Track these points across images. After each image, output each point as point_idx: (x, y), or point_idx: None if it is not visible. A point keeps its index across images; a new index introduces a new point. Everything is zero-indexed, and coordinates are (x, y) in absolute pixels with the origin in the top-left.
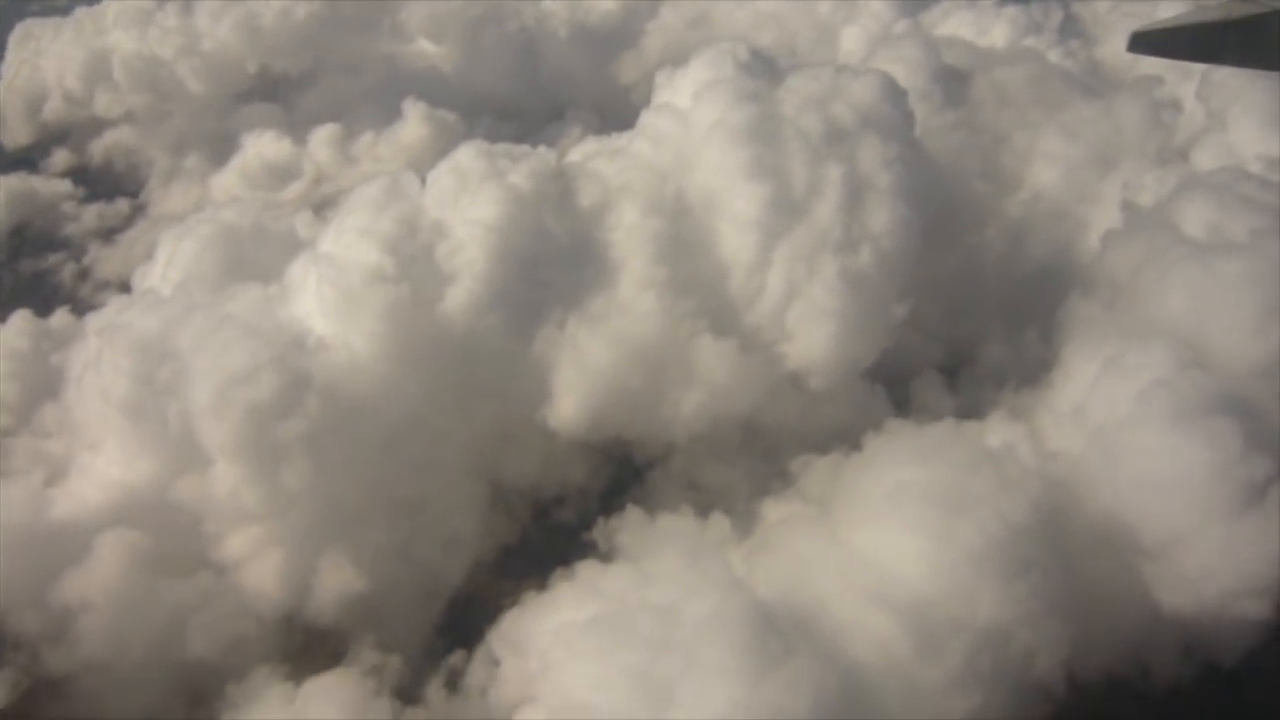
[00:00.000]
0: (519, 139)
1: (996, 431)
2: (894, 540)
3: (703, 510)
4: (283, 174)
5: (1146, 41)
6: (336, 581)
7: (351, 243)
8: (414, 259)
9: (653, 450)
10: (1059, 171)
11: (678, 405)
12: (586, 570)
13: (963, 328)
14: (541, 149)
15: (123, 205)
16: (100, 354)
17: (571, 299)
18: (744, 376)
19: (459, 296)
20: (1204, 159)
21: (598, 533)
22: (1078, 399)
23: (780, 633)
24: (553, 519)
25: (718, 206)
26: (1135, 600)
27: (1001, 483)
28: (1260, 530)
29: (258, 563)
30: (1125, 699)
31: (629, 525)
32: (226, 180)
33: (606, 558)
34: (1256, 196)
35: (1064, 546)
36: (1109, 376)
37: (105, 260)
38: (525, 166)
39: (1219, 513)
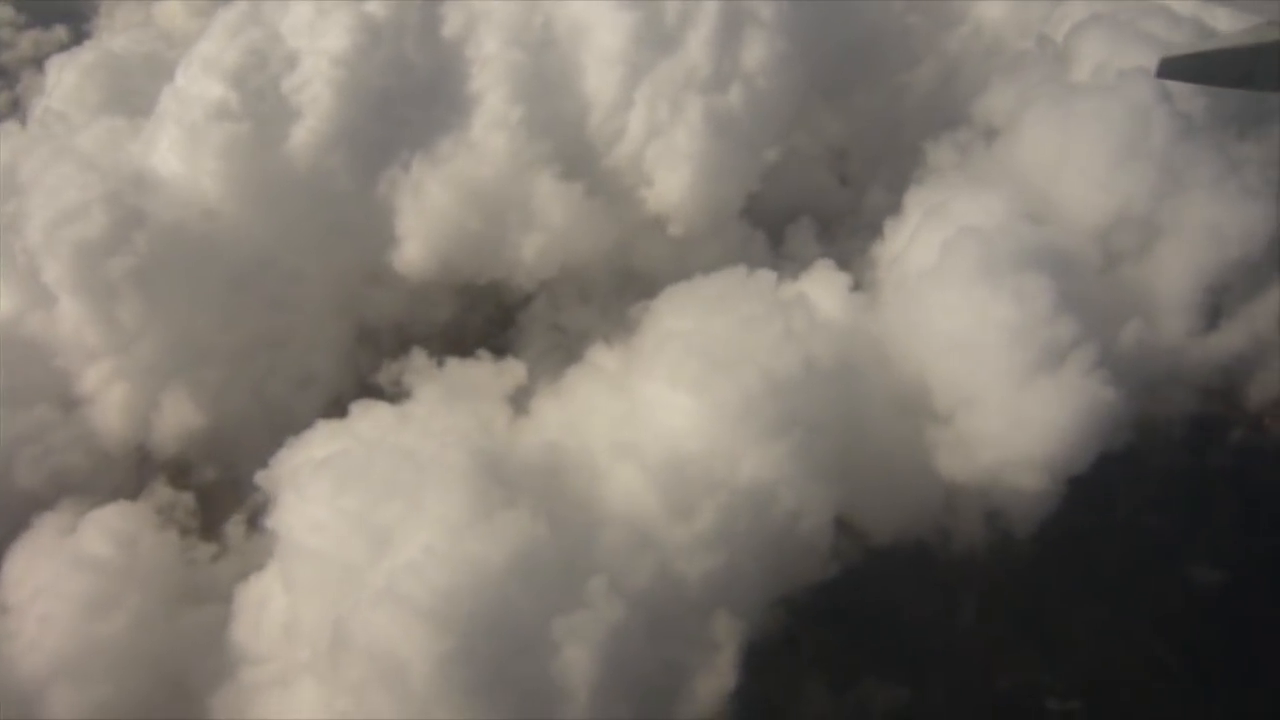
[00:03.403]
0: None
1: (812, 282)
2: (661, 393)
3: (564, 353)
4: None
5: (1176, 67)
6: (177, 417)
7: (197, 75)
8: (261, 93)
9: (520, 293)
10: (1006, 3)
11: (519, 250)
12: (357, 409)
13: (881, 173)
14: None
15: (61, 32)
16: None
17: (420, 138)
18: (591, 221)
19: (302, 134)
20: None
21: (383, 375)
22: (897, 249)
23: (505, 483)
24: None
25: (583, 38)
26: (929, 466)
27: (783, 336)
28: (1055, 398)
29: (102, 397)
30: (923, 565)
31: (415, 368)
32: (170, 7)
33: (393, 399)
34: (1158, 33)
35: (855, 405)
36: (927, 226)
37: (37, 88)
38: None
39: (1012, 376)
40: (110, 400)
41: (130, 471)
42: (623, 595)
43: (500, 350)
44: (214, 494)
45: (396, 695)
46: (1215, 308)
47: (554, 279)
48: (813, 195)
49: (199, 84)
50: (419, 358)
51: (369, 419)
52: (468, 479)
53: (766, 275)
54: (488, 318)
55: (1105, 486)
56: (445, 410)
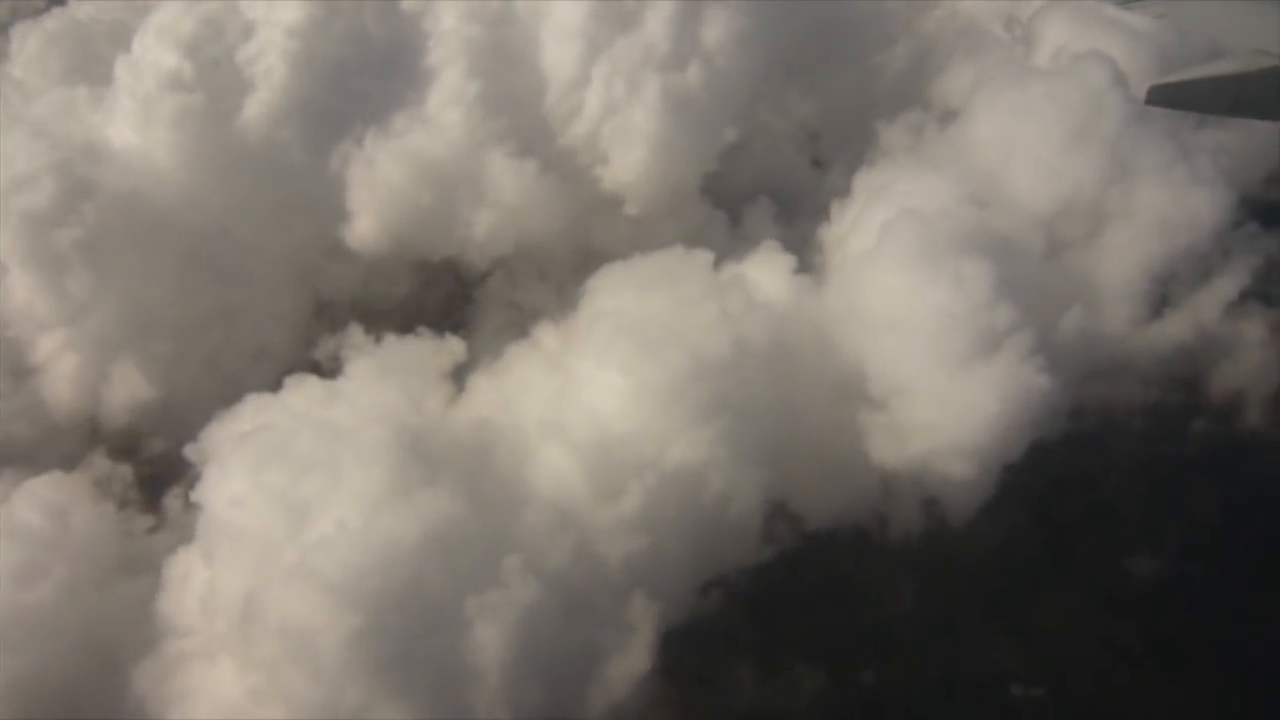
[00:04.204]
0: None
1: (756, 263)
2: (591, 372)
3: (516, 331)
4: None
5: (1164, 94)
6: (126, 389)
7: (152, 45)
8: (215, 63)
9: (477, 270)
10: None
11: (473, 227)
12: (290, 384)
13: (847, 154)
14: None
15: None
16: None
17: (375, 112)
18: (546, 199)
19: (256, 106)
20: None
21: (320, 350)
22: (842, 231)
23: (428, 459)
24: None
25: (542, 14)
26: (864, 451)
27: (718, 317)
28: (987, 385)
29: (51, 368)
30: (860, 550)
31: (353, 344)
32: None
33: (330, 375)
34: (1123, 18)
35: (790, 389)
36: (870, 208)
37: (5, 55)
38: None
39: (945, 362)
40: (59, 371)
41: (80, 443)
42: (539, 575)
43: (455, 327)
44: (159, 466)
45: (306, 671)
46: (1163, 296)
47: (510, 256)
48: (779, 176)
49: (153, 54)
50: (356, 333)
51: (299, 393)
52: (390, 455)
53: (704, 255)
54: (446, 294)
55: (1060, 475)
56: (378, 386)
